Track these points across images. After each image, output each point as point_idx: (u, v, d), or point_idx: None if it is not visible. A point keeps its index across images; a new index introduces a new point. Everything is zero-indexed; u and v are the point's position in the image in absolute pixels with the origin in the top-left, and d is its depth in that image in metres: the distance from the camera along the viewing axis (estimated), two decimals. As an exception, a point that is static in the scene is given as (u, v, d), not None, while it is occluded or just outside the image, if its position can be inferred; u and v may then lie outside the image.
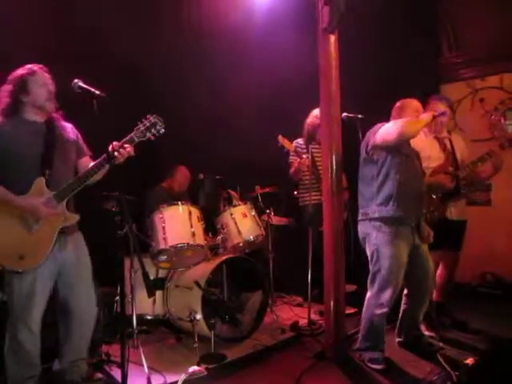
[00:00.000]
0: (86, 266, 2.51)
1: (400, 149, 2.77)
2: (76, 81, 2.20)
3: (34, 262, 2.23)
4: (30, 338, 2.30)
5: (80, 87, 2.18)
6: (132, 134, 2.37)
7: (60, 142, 2.41)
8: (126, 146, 2.35)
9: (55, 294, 2.42)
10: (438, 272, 3.40)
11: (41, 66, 2.36)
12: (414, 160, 2.89)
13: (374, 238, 2.82)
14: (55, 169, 2.34)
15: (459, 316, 3.50)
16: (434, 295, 3.45)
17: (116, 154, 2.30)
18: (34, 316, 2.29)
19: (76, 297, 2.45)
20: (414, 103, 2.97)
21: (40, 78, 2.32)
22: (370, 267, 2.86)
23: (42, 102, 2.33)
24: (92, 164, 2.37)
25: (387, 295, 2.77)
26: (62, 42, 3.22)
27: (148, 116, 2.37)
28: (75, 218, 2.39)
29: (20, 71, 2.32)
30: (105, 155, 2.28)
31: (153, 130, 2.36)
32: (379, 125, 2.85)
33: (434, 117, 2.85)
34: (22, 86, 2.29)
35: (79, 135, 2.59)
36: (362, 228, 2.92)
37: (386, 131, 2.75)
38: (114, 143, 2.31)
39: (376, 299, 2.81)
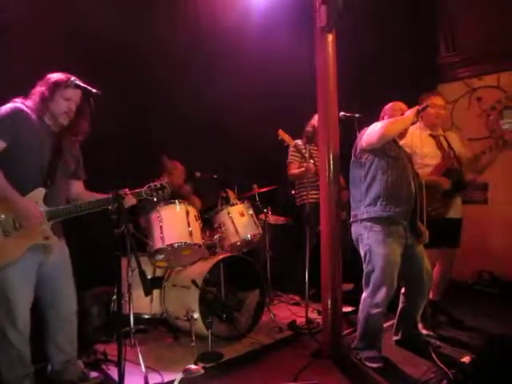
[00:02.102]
0: (68, 267, 2.51)
1: (387, 151, 2.79)
2: (72, 79, 2.20)
3: None
4: (18, 336, 2.29)
5: (76, 85, 2.17)
6: (142, 190, 2.51)
7: (65, 155, 2.42)
8: (131, 196, 2.45)
9: (38, 296, 2.40)
10: (435, 270, 3.41)
11: (77, 82, 2.30)
12: (403, 161, 2.88)
13: (366, 238, 2.83)
14: (55, 182, 2.34)
15: (456, 314, 3.51)
16: (431, 294, 3.45)
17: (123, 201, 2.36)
18: (19, 315, 2.27)
19: (58, 297, 2.45)
20: (404, 106, 2.99)
21: (69, 92, 2.31)
22: (364, 267, 2.87)
23: (58, 114, 2.33)
24: (94, 200, 2.38)
25: (382, 295, 2.77)
26: (58, 40, 3.20)
27: (161, 178, 2.59)
28: (55, 241, 2.36)
29: (57, 77, 2.31)
30: (108, 196, 2.31)
31: (160, 193, 2.53)
32: (366, 129, 2.88)
33: (419, 112, 2.84)
34: (52, 91, 2.29)
35: (81, 156, 2.59)
36: (354, 229, 2.94)
37: (371, 133, 2.79)
38: (125, 191, 2.41)
39: (371, 299, 2.82)
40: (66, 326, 2.52)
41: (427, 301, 3.09)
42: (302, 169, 3.91)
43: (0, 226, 2.19)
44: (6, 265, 2.20)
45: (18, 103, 2.29)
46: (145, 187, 2.51)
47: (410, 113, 2.84)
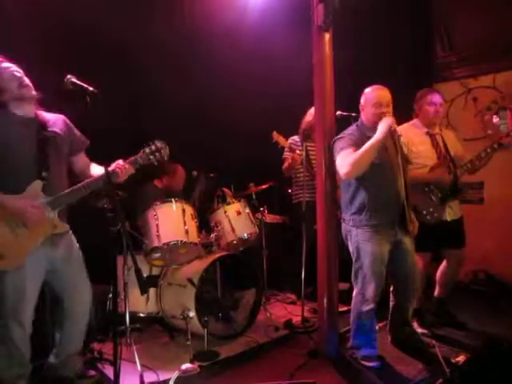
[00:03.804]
0: (79, 262, 2.50)
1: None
2: (69, 77, 2.17)
3: (11, 263, 2.19)
4: (22, 335, 2.28)
5: (73, 83, 2.15)
6: (137, 156, 2.42)
7: (53, 139, 2.36)
8: (127, 166, 2.39)
9: (50, 292, 2.40)
10: (441, 269, 3.41)
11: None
12: (389, 163, 2.76)
13: (354, 235, 2.82)
14: (51, 170, 2.30)
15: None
16: (437, 291, 3.46)
17: (118, 172, 2.35)
18: (26, 313, 2.27)
19: (71, 293, 2.45)
20: (385, 99, 2.73)
21: (4, 73, 2.24)
22: (353, 264, 2.87)
23: (18, 92, 2.25)
24: (91, 179, 2.36)
25: (371, 291, 2.78)
26: (53, 37, 3.19)
27: (155, 141, 2.44)
28: (65, 227, 2.36)
29: None
30: (105, 172, 2.27)
31: (157, 155, 2.42)
32: (337, 144, 2.75)
33: (391, 130, 2.61)
34: None
35: (72, 127, 2.51)
36: (344, 226, 2.93)
37: (338, 167, 2.70)
38: (120, 163, 2.37)
39: (361, 296, 2.82)
40: (78, 319, 2.51)
41: (431, 298, 3.06)
42: (289, 160, 3.91)
43: (8, 227, 2.18)
44: (23, 264, 2.20)
45: None
46: (140, 153, 2.43)
47: (380, 134, 2.59)
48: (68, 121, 2.51)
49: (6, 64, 2.27)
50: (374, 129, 2.70)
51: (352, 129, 2.85)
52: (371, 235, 2.76)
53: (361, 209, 2.77)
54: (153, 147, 2.42)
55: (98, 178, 2.35)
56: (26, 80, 2.29)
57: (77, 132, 2.53)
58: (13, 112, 2.28)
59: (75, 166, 2.53)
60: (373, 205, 2.74)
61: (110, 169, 2.31)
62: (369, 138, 2.68)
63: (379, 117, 2.68)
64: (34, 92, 2.31)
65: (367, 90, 2.82)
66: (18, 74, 2.26)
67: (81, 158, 2.55)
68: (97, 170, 2.52)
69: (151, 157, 2.42)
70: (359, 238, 2.80)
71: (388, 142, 2.76)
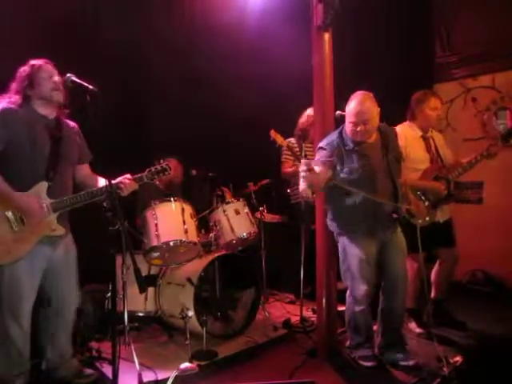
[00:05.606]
0: (74, 266, 2.53)
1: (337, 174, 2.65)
2: (68, 75, 2.18)
3: (4, 259, 2.21)
4: (20, 334, 2.29)
5: (73, 81, 2.16)
6: (143, 175, 2.55)
7: (66, 143, 2.42)
8: (133, 183, 2.49)
9: (39, 291, 2.40)
10: (435, 269, 3.42)
11: (45, 59, 2.36)
12: (373, 171, 2.66)
13: (340, 235, 2.81)
14: (58, 173, 2.35)
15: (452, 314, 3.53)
16: (433, 292, 3.46)
17: (122, 186, 2.43)
18: (23, 312, 2.28)
19: (60, 295, 2.46)
20: (354, 114, 2.61)
21: (44, 71, 2.33)
22: (340, 264, 2.85)
23: (49, 93, 2.32)
24: (96, 188, 2.42)
25: (361, 292, 2.75)
26: (52, 36, 3.18)
27: (161, 161, 2.63)
28: (62, 230, 2.39)
29: (25, 68, 2.33)
30: (110, 182, 2.29)
31: (160, 175, 2.59)
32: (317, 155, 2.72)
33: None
34: (28, 81, 2.30)
35: (83, 138, 2.60)
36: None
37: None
38: (128, 176, 2.46)
39: (353, 297, 2.80)
40: (64, 323, 2.53)
41: (428, 299, 3.04)
42: (295, 167, 3.93)
43: (8, 223, 2.21)
44: (17, 260, 2.22)
45: (3, 103, 2.28)
46: (145, 171, 2.55)
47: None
48: (80, 131, 2.59)
49: (49, 66, 2.36)
50: (353, 140, 2.67)
51: (335, 136, 2.76)
52: (357, 238, 2.72)
53: (337, 219, 2.77)
54: (158, 167, 2.57)
55: (102, 188, 2.39)
56: (61, 87, 2.36)
57: (85, 144, 2.61)
58: (36, 110, 2.34)
59: (77, 176, 2.59)
60: (348, 218, 2.71)
61: (114, 182, 2.34)
62: (347, 150, 2.66)
63: (354, 136, 2.64)
64: (62, 98, 2.37)
65: (350, 101, 2.68)
66: (56, 78, 2.35)
67: (83, 169, 2.62)
68: (102, 182, 2.56)
69: (156, 176, 2.57)
70: (345, 240, 2.77)
71: (373, 150, 2.70)
